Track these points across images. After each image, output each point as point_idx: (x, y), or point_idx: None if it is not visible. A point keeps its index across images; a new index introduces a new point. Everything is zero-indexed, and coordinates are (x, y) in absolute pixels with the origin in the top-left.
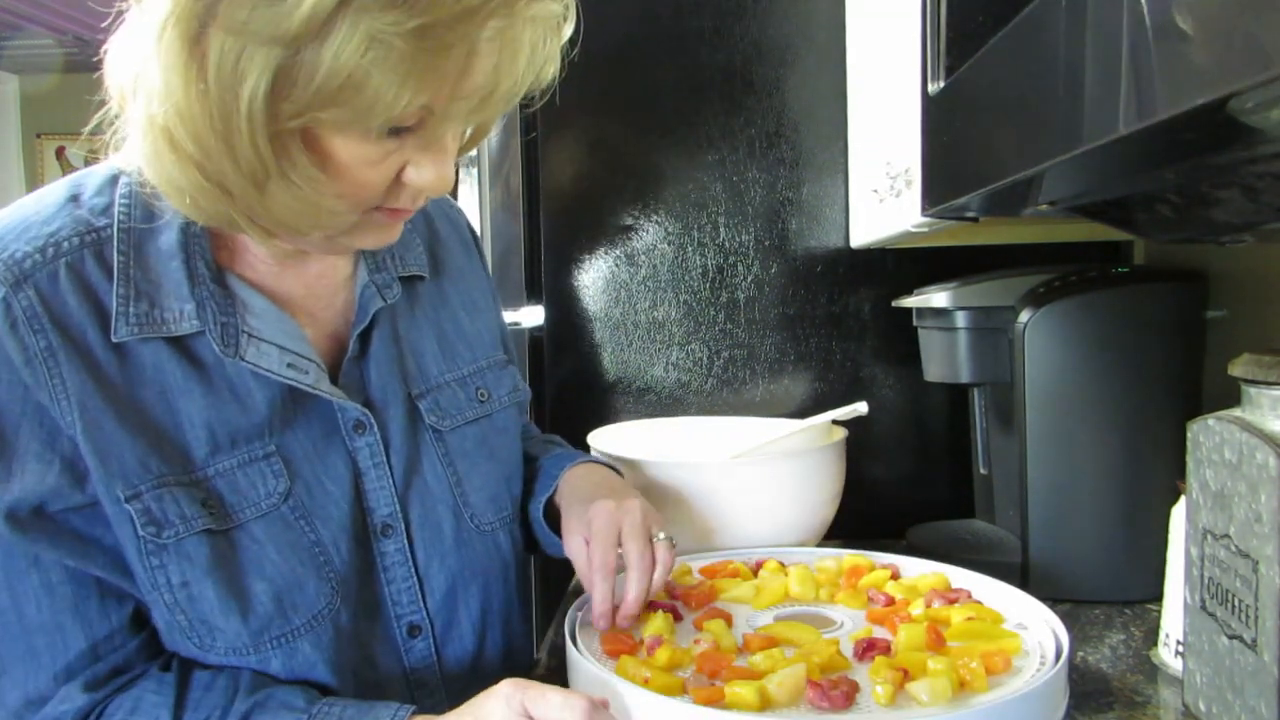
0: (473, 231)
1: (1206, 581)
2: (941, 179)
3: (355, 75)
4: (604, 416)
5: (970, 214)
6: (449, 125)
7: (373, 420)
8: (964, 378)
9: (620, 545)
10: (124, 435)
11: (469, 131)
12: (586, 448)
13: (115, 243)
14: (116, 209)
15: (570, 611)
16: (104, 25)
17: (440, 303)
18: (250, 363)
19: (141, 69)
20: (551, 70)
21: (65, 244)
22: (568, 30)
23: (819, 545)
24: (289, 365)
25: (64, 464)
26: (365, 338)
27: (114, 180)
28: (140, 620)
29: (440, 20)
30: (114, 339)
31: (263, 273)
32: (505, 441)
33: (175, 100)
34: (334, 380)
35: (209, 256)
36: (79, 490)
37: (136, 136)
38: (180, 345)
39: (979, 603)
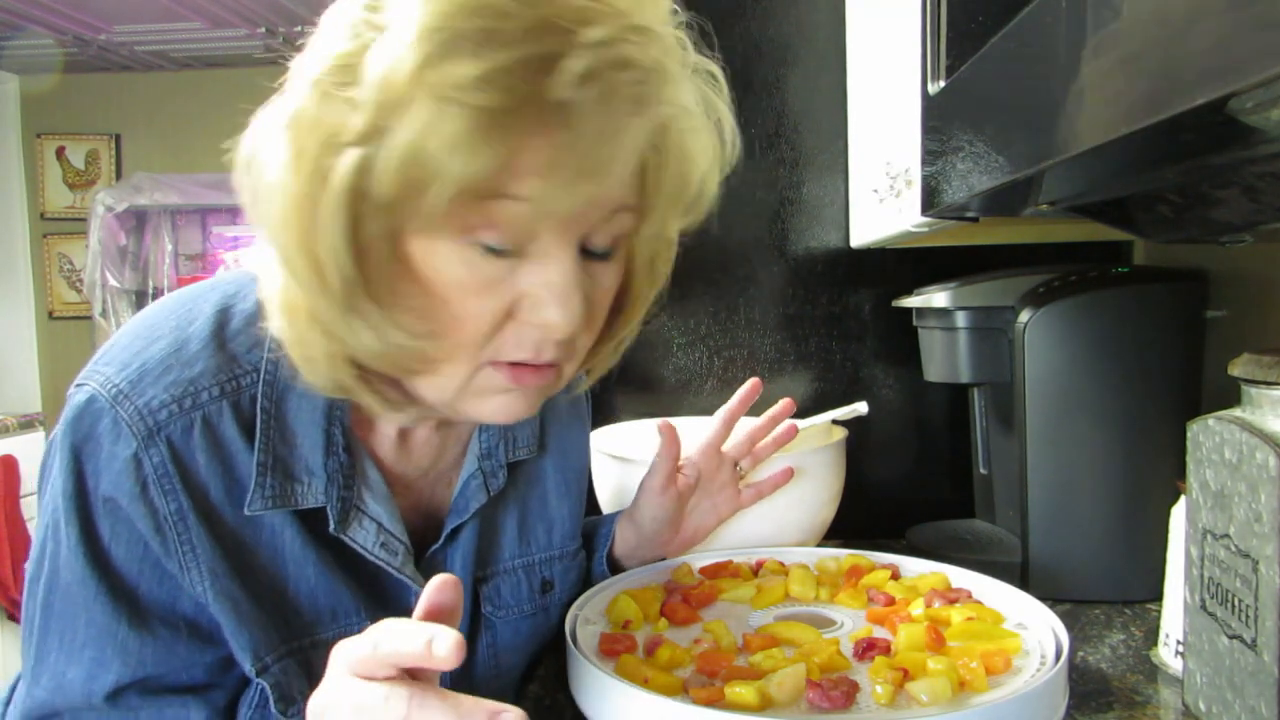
0: (589, 397)
1: (1206, 581)
2: (941, 179)
3: (419, 144)
4: (604, 416)
5: (970, 214)
6: (553, 226)
7: None
8: (964, 378)
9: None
10: (250, 605)
11: (608, 259)
12: None
13: (259, 399)
14: (265, 355)
15: (570, 611)
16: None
17: (535, 480)
18: (350, 538)
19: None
20: (705, 177)
21: (205, 394)
22: (726, 133)
23: (819, 545)
24: (382, 545)
25: (190, 628)
26: (456, 526)
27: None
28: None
29: (505, 66)
30: (247, 512)
31: (385, 445)
32: (551, 625)
33: (275, 208)
34: (418, 559)
35: (348, 422)
36: (210, 650)
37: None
38: (300, 513)
39: (979, 602)
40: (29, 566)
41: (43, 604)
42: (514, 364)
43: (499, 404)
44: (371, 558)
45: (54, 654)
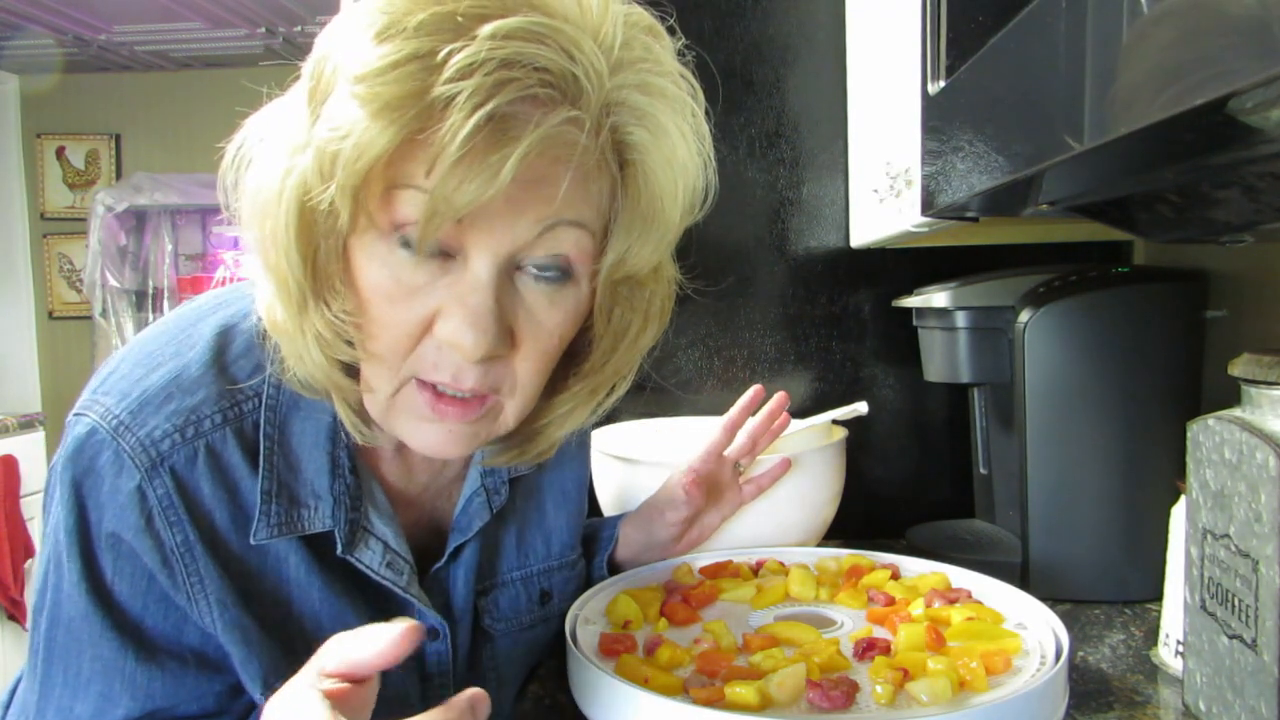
0: None
1: (1206, 581)
2: (941, 179)
3: (329, 135)
4: (604, 417)
5: (970, 214)
6: (468, 232)
7: (448, 630)
8: (964, 378)
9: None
10: (260, 633)
11: (531, 295)
12: None
13: (262, 425)
14: (267, 379)
15: (570, 611)
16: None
17: (532, 493)
18: (356, 559)
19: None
20: (676, 210)
21: (207, 421)
22: (709, 172)
23: (819, 545)
24: (388, 565)
25: (197, 659)
26: (460, 543)
27: (265, 335)
28: None
29: (399, 59)
30: (253, 541)
31: (387, 462)
32: (551, 636)
33: (246, 206)
34: (421, 577)
35: (352, 443)
36: (217, 679)
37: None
38: (305, 537)
39: (979, 602)
40: (33, 598)
41: (46, 638)
42: (437, 392)
43: (426, 433)
44: (377, 578)
45: (59, 689)
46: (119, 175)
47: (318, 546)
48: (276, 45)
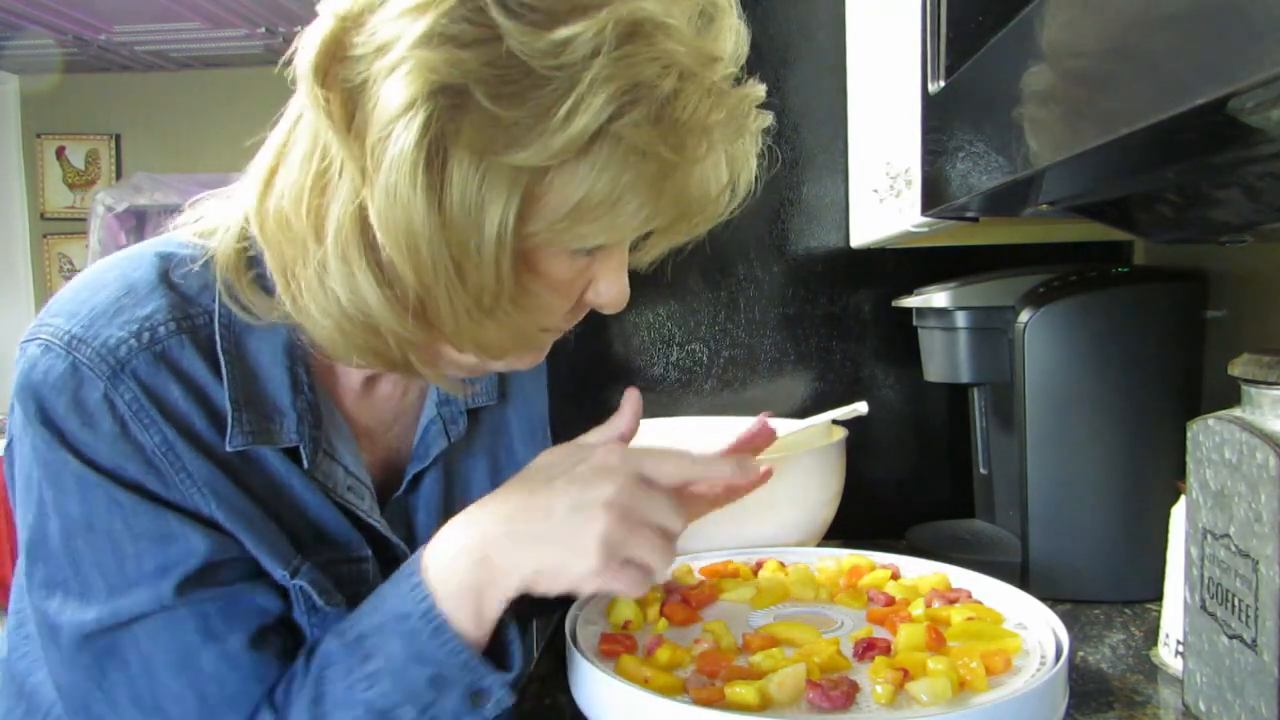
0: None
1: (1206, 581)
2: (941, 179)
3: (615, 191)
4: (604, 416)
5: (970, 214)
6: (656, 242)
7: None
8: (964, 378)
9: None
10: (261, 519)
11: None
12: None
13: (218, 340)
14: (218, 298)
15: (570, 611)
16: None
17: (500, 429)
18: (320, 480)
19: (342, 179)
20: (743, 180)
21: (161, 329)
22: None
23: (819, 545)
24: (349, 489)
25: (216, 527)
26: (418, 473)
27: (208, 264)
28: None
29: (689, 131)
30: (229, 448)
31: (348, 394)
32: None
33: (404, 225)
34: (382, 507)
35: (310, 362)
36: (239, 548)
37: (300, 248)
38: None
39: (979, 603)
40: (25, 535)
41: (66, 551)
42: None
43: (531, 357)
44: (339, 499)
45: (103, 594)
46: (119, 175)
47: (294, 456)
48: (277, 45)
